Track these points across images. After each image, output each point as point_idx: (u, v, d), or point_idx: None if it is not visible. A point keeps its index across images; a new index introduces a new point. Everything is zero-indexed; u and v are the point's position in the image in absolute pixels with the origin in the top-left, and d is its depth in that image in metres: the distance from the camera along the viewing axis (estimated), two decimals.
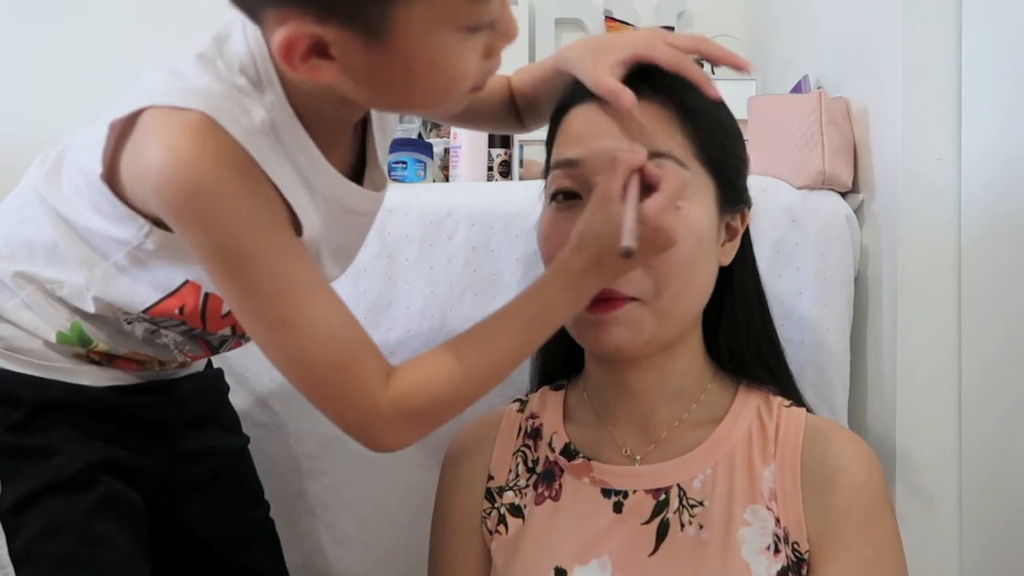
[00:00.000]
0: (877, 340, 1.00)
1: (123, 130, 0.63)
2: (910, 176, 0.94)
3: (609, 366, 0.80)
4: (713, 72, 1.59)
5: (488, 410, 0.88)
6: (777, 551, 0.72)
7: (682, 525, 0.74)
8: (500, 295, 1.03)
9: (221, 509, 0.86)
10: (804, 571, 0.72)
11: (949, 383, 0.94)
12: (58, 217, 0.71)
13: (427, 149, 1.45)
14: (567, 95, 0.79)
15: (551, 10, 1.79)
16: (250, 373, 1.03)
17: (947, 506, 0.94)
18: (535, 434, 0.84)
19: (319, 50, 0.58)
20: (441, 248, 1.04)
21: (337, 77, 0.59)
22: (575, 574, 0.74)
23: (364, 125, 0.75)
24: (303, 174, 0.67)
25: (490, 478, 0.83)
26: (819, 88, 1.10)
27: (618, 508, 0.76)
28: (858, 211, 1.03)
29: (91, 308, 0.72)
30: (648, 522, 0.75)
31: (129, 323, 0.75)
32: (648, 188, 0.68)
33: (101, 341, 0.75)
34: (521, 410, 0.86)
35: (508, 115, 0.89)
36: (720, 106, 0.77)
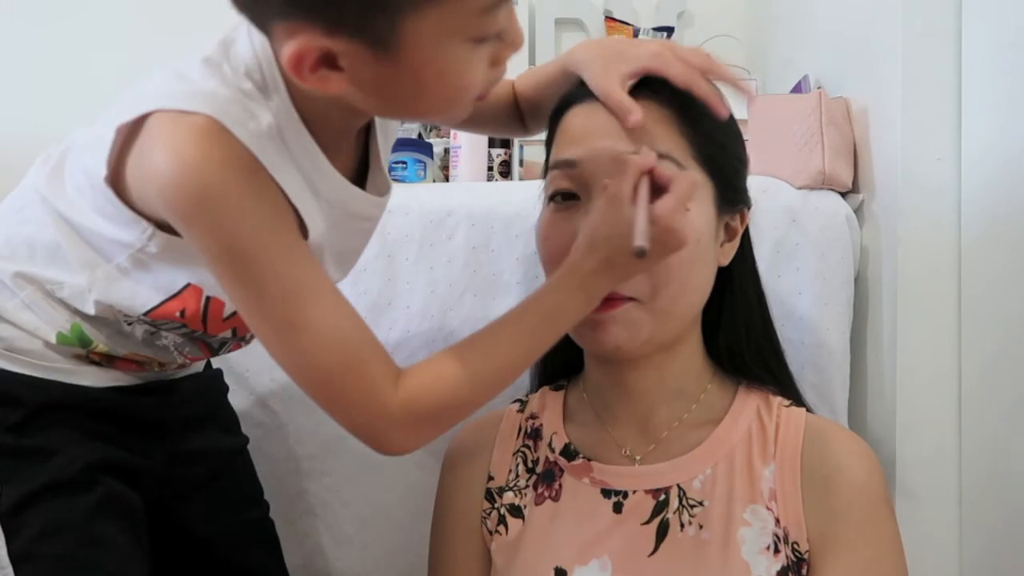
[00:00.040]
0: (877, 340, 1.00)
1: (129, 134, 0.63)
2: (910, 176, 0.94)
3: (609, 366, 0.80)
4: None
5: (488, 411, 0.87)
6: (777, 551, 0.72)
7: (682, 525, 0.74)
8: (500, 295, 1.03)
9: (221, 509, 0.86)
10: (804, 571, 0.72)
11: (949, 383, 0.94)
12: (60, 218, 0.71)
13: (427, 149, 1.45)
14: (567, 95, 0.79)
15: (551, 10, 1.79)
16: (250, 373, 1.03)
17: (947, 506, 0.94)
18: (535, 434, 0.84)
19: (328, 61, 0.58)
20: (441, 248, 1.04)
21: (346, 88, 0.59)
22: (575, 574, 0.74)
23: (367, 130, 0.75)
24: (308, 178, 0.67)
25: (490, 478, 0.83)
26: (819, 88, 1.10)
27: (618, 508, 0.76)
28: (858, 211, 1.03)
29: (91, 309, 0.72)
30: (648, 522, 0.75)
31: (129, 324, 0.75)
32: (657, 189, 0.68)
33: (101, 342, 0.75)
34: (521, 410, 0.86)
35: (511, 119, 0.89)
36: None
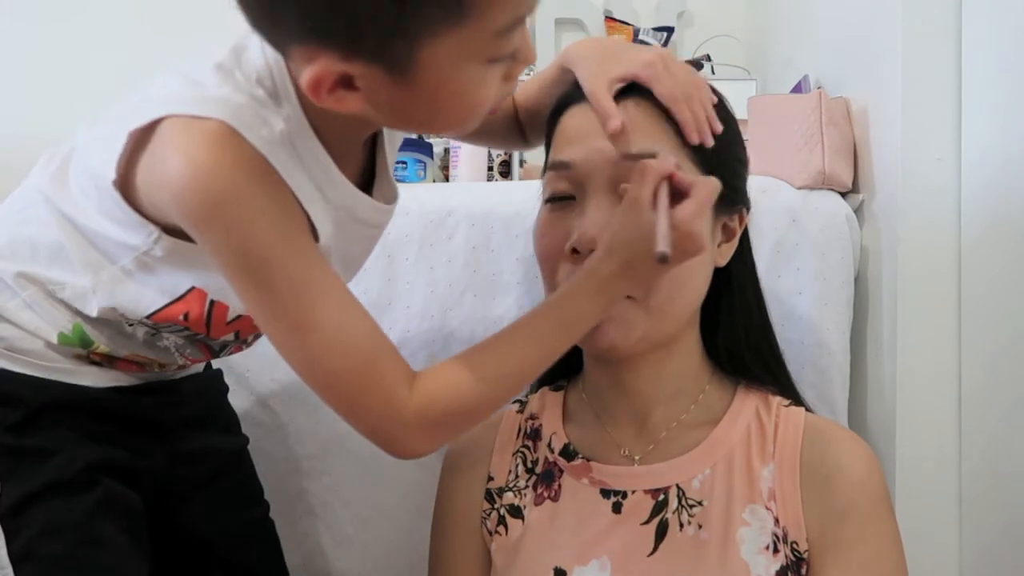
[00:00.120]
0: (877, 340, 1.00)
1: (140, 138, 0.63)
2: (910, 176, 0.94)
3: (607, 366, 0.80)
4: (713, 72, 1.59)
5: None
6: (776, 551, 0.72)
7: (681, 525, 0.74)
8: (500, 295, 1.03)
9: (221, 509, 0.86)
10: (803, 571, 0.72)
11: (949, 383, 0.94)
12: (64, 219, 0.71)
13: (427, 149, 1.45)
14: (564, 96, 0.79)
15: (551, 10, 1.79)
16: (250, 373, 1.03)
17: (947, 506, 0.94)
18: (534, 435, 0.84)
19: (345, 83, 0.58)
20: (441, 248, 1.04)
21: (362, 107, 0.60)
22: (574, 575, 0.74)
23: (374, 138, 0.75)
24: (318, 184, 0.67)
25: (490, 479, 0.83)
26: (819, 88, 1.10)
27: (617, 508, 0.76)
28: (858, 211, 1.03)
29: (94, 311, 0.72)
30: (647, 522, 0.75)
31: (130, 326, 0.75)
32: (676, 194, 0.68)
33: (102, 343, 0.75)
34: (520, 411, 0.86)
35: (511, 132, 0.89)
36: (719, 107, 0.77)
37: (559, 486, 0.79)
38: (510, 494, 0.81)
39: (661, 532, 0.74)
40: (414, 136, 1.50)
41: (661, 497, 0.75)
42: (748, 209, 0.81)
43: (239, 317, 0.74)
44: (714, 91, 0.78)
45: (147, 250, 0.68)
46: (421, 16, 0.54)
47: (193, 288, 0.71)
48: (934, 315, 0.94)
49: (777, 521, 0.72)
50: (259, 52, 0.64)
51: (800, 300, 0.99)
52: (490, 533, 0.81)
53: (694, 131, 0.73)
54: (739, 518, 0.73)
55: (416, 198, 1.05)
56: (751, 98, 1.16)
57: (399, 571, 1.02)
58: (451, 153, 1.46)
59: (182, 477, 0.83)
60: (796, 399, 0.82)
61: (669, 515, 0.74)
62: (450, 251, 1.03)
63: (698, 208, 0.67)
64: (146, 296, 0.71)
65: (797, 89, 1.23)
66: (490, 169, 1.47)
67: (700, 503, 0.74)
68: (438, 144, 1.49)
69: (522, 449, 0.83)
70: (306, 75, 0.57)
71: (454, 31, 0.55)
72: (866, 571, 0.71)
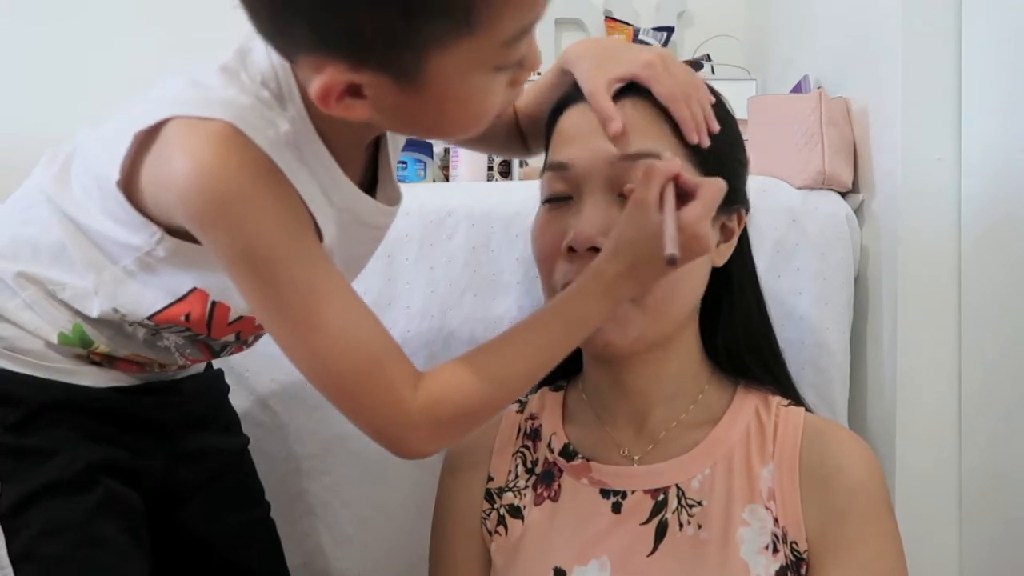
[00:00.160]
0: (877, 340, 1.00)
1: (145, 139, 0.63)
2: (910, 176, 0.94)
3: (606, 366, 0.80)
4: (713, 72, 1.59)
5: None
6: (776, 551, 0.72)
7: (681, 525, 0.74)
8: (500, 295, 1.03)
9: (222, 509, 0.86)
10: (803, 570, 0.72)
11: (949, 383, 0.94)
12: (66, 219, 0.71)
13: (427, 149, 1.45)
14: (563, 96, 0.79)
15: (551, 10, 1.77)
16: (250, 373, 1.03)
17: (947, 506, 0.94)
18: (534, 435, 0.84)
19: (353, 91, 0.58)
20: (441, 248, 1.04)
21: (369, 114, 0.60)
22: (574, 574, 0.74)
23: (377, 140, 0.75)
24: (322, 186, 0.67)
25: (489, 479, 0.83)
26: (819, 88, 1.10)
27: (617, 508, 0.76)
28: (858, 211, 1.03)
29: (95, 311, 0.72)
30: (647, 522, 0.75)
31: (131, 326, 0.75)
32: (682, 195, 0.68)
33: (102, 343, 0.75)
34: (520, 411, 0.86)
35: (512, 139, 0.89)
36: (718, 107, 0.77)
37: (559, 486, 0.79)
38: (510, 494, 0.81)
39: (661, 532, 0.74)
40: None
41: (661, 497, 0.75)
42: (747, 210, 0.81)
43: (240, 318, 0.74)
44: (713, 92, 0.79)
45: (149, 250, 0.68)
46: (430, 28, 0.54)
47: (195, 289, 0.71)
48: (934, 315, 0.94)
49: (777, 521, 0.72)
50: (264, 54, 0.64)
51: (800, 300, 0.99)
52: (490, 533, 0.81)
53: (693, 130, 0.73)
54: (739, 518, 0.73)
55: (416, 198, 1.05)
56: (751, 98, 1.16)
57: (399, 571, 1.02)
58: (451, 153, 1.46)
59: (183, 477, 0.83)
60: (796, 399, 0.82)
61: (669, 515, 0.74)
62: (450, 251, 1.03)
63: (705, 209, 0.67)
64: (148, 297, 0.71)
65: (797, 89, 1.23)
66: (490, 169, 1.47)
67: (700, 503, 0.74)
68: (438, 144, 1.49)
69: (522, 449, 0.83)
70: (315, 85, 0.57)
71: (462, 42, 0.56)
72: (866, 571, 0.71)
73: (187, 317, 0.72)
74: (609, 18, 1.81)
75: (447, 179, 1.47)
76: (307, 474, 1.04)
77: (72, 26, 1.76)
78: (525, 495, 0.80)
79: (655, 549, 0.74)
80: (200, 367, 0.90)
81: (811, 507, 0.72)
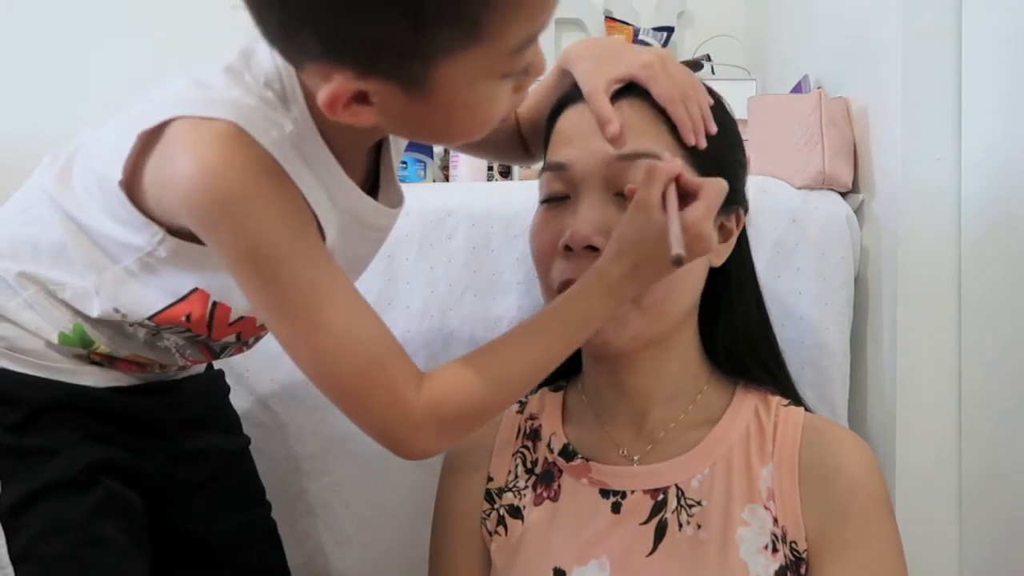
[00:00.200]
0: (877, 340, 1.00)
1: (147, 140, 0.64)
2: (910, 176, 0.94)
3: (605, 366, 0.81)
4: (713, 72, 1.59)
5: None
6: (775, 550, 0.72)
7: (680, 525, 0.74)
8: (500, 295, 1.03)
9: (222, 510, 0.86)
10: (802, 570, 0.72)
11: (949, 383, 0.94)
12: (68, 219, 0.71)
13: (427, 149, 1.45)
14: (562, 96, 0.79)
15: None
16: (250, 373, 1.03)
17: (947, 506, 0.94)
18: (534, 435, 0.84)
19: (360, 98, 0.58)
20: (441, 248, 1.04)
21: (375, 120, 0.60)
22: (574, 575, 0.74)
23: (379, 143, 0.75)
24: (324, 186, 0.67)
25: (489, 479, 0.83)
26: (819, 88, 1.10)
27: (616, 508, 0.76)
28: (858, 211, 1.03)
29: (95, 311, 0.72)
30: (646, 522, 0.75)
31: (131, 326, 0.75)
32: (683, 196, 0.68)
33: (102, 343, 0.75)
34: (520, 411, 0.86)
35: (513, 144, 0.90)
36: (716, 109, 0.77)
37: (559, 486, 0.79)
38: (510, 494, 0.81)
39: (660, 532, 0.74)
40: None
41: (660, 497, 0.75)
42: (745, 210, 0.81)
43: (241, 318, 0.74)
44: (712, 93, 0.79)
45: (151, 251, 0.68)
46: (439, 38, 0.54)
47: (196, 289, 0.71)
48: (934, 315, 0.94)
49: (776, 521, 0.73)
50: (268, 56, 0.64)
51: (800, 300, 0.99)
52: (490, 533, 0.81)
53: (690, 131, 0.73)
54: (738, 518, 0.73)
55: (416, 198, 1.05)
56: (751, 98, 1.16)
57: (399, 571, 1.02)
58: (451, 153, 1.46)
59: (183, 477, 0.83)
60: (795, 399, 0.82)
61: (668, 515, 0.74)
62: (450, 251, 1.03)
63: (708, 209, 0.67)
64: (149, 297, 0.71)
65: (797, 89, 1.23)
66: (490, 169, 1.47)
67: (699, 503, 0.74)
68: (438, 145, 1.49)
69: (522, 449, 0.83)
70: (322, 93, 0.57)
71: (470, 51, 0.56)
72: (866, 571, 0.71)
73: (188, 317, 0.72)
74: (609, 18, 1.80)
75: (447, 179, 1.47)
76: (307, 474, 1.04)
77: (72, 26, 1.76)
78: (525, 495, 0.80)
79: (655, 549, 0.74)
80: (201, 368, 0.90)
81: (810, 507, 0.72)
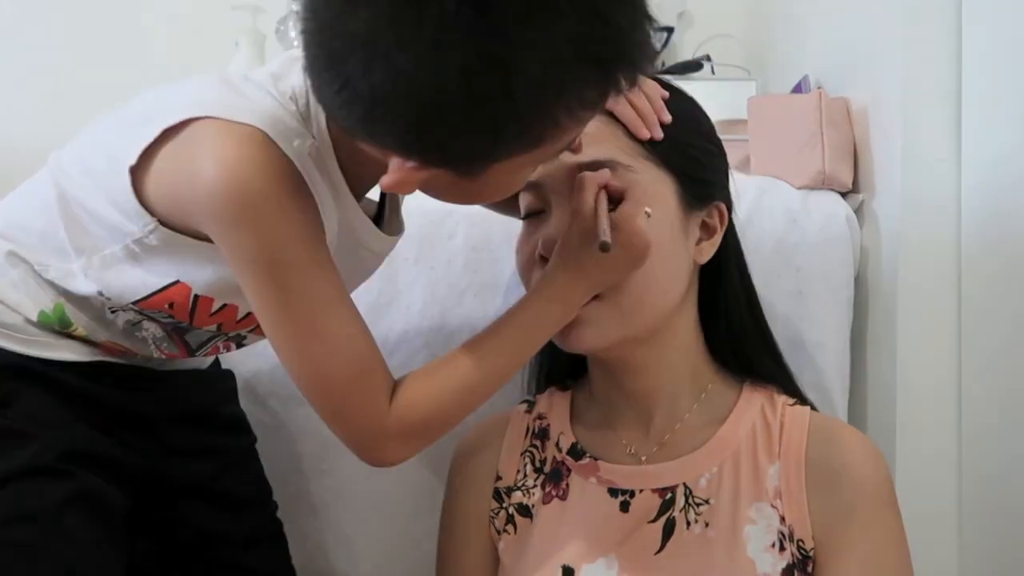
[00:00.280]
0: (877, 340, 1.00)
1: (166, 134, 0.64)
2: (910, 176, 0.94)
3: (606, 369, 0.81)
4: (713, 72, 1.59)
5: (495, 411, 0.87)
6: (782, 548, 0.72)
7: (688, 523, 0.74)
8: (500, 295, 1.03)
9: (227, 509, 0.86)
10: (809, 568, 0.72)
11: (949, 383, 0.94)
12: (63, 199, 0.72)
13: None
14: None
15: None
16: (250, 373, 1.03)
17: (947, 506, 0.94)
18: (543, 434, 0.84)
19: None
20: (441, 248, 1.04)
21: (418, 189, 0.63)
22: (582, 573, 0.74)
23: None
24: (333, 200, 0.69)
25: (498, 478, 0.83)
26: (819, 88, 1.10)
27: (625, 507, 0.76)
28: (858, 211, 1.03)
29: (80, 290, 0.73)
30: (654, 521, 0.75)
31: (112, 312, 0.75)
32: (617, 200, 0.73)
33: (80, 326, 0.75)
34: (529, 411, 0.86)
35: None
36: (676, 100, 0.78)
37: (567, 485, 0.79)
38: (518, 493, 0.81)
39: (668, 530, 0.74)
40: None
41: (668, 496, 0.75)
42: (729, 205, 0.81)
43: (224, 307, 0.75)
44: (668, 86, 0.79)
45: (141, 237, 0.69)
46: (508, 149, 0.58)
47: (177, 281, 0.72)
48: (934, 315, 0.94)
49: (783, 519, 0.73)
50: (300, 77, 0.66)
51: (800, 300, 0.99)
52: (498, 532, 0.81)
53: (641, 126, 0.75)
54: (745, 516, 0.73)
55: (416, 198, 1.04)
56: (751, 98, 1.16)
57: (399, 571, 1.02)
58: None
59: (179, 475, 0.83)
60: (800, 397, 0.82)
61: (676, 513, 0.75)
62: (450, 251, 1.03)
63: (636, 206, 0.71)
64: (134, 282, 0.72)
65: (797, 89, 1.23)
66: None
67: (707, 501, 0.74)
68: None
69: (530, 448, 0.83)
70: (393, 178, 0.60)
71: (525, 153, 0.59)
72: (871, 569, 0.71)
73: (171, 305, 0.73)
74: None
75: None
76: (307, 474, 1.04)
77: (72, 26, 1.76)
78: (534, 494, 0.81)
79: (662, 547, 0.74)
80: (200, 363, 0.90)
81: (817, 505, 0.73)
